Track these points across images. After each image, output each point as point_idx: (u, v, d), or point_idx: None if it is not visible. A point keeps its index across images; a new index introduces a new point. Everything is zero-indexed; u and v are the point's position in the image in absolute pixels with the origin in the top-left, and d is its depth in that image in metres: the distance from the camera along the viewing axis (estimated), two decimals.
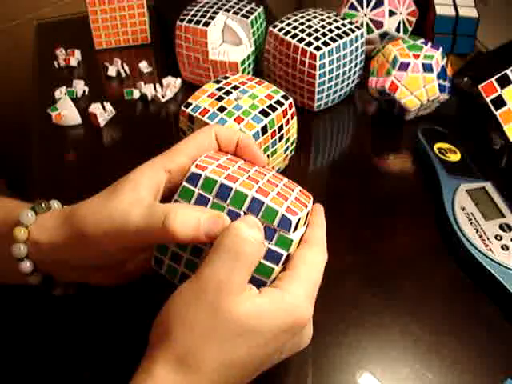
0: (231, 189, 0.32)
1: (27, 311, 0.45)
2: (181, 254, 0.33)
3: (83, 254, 0.35)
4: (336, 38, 0.61)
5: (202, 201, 0.33)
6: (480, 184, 0.52)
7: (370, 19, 0.71)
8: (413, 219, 0.53)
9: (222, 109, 0.49)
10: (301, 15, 0.65)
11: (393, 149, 0.62)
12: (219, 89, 0.52)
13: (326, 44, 0.60)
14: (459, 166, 0.55)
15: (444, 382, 0.39)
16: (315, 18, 0.65)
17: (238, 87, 0.52)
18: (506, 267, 0.44)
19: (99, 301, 0.44)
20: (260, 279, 0.32)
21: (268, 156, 0.52)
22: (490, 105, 0.55)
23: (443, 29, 0.73)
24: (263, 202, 0.32)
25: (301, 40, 0.61)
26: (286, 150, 0.54)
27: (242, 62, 0.67)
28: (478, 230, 0.47)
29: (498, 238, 0.47)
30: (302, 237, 0.34)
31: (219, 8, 0.67)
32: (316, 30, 0.62)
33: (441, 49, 0.62)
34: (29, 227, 0.35)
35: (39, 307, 0.44)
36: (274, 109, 0.50)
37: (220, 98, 0.50)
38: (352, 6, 0.72)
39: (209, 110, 0.49)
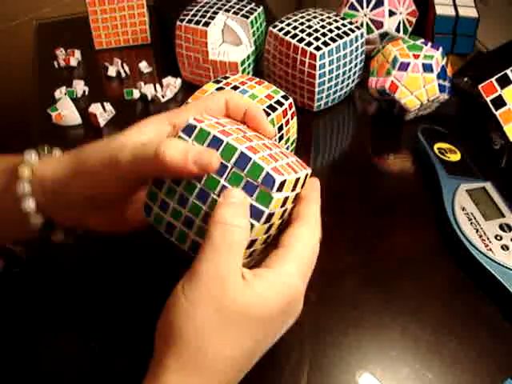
0: (222, 141, 0.32)
1: (31, 283, 0.46)
2: (168, 202, 0.34)
3: (82, 186, 0.36)
4: (336, 38, 0.61)
5: None
6: (480, 184, 0.52)
7: (370, 19, 0.71)
8: (413, 219, 0.53)
9: None
10: (301, 15, 0.65)
11: (393, 149, 0.62)
12: (219, 89, 0.52)
13: (326, 44, 0.60)
14: (459, 165, 0.55)
15: (444, 381, 0.39)
16: (315, 17, 0.65)
17: (238, 87, 0.52)
18: (506, 267, 0.44)
19: (106, 271, 0.46)
20: None
21: None
22: (490, 105, 0.55)
23: (443, 29, 0.73)
24: (250, 158, 0.32)
25: (301, 40, 0.61)
26: (286, 150, 0.54)
27: (242, 62, 0.67)
28: (478, 230, 0.47)
29: (498, 238, 0.47)
30: (288, 199, 0.34)
31: (219, 8, 0.67)
32: (316, 30, 0.62)
33: (441, 49, 0.62)
34: (33, 166, 0.37)
35: (45, 278, 0.46)
36: (273, 109, 0.50)
37: None
38: (352, 6, 0.72)
39: None
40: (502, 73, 0.55)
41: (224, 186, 0.32)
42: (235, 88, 0.51)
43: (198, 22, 0.65)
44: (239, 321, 0.30)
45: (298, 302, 0.33)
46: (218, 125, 0.34)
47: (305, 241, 0.33)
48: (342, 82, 0.64)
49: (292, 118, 0.53)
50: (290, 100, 0.52)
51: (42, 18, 0.90)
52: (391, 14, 0.71)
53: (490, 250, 0.46)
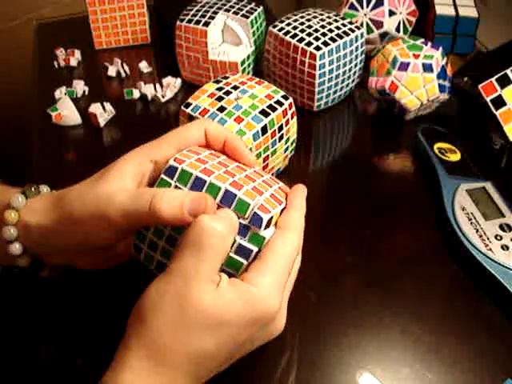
0: (205, 181, 0.33)
1: (32, 283, 0.45)
2: (157, 243, 0.34)
3: (70, 236, 0.36)
4: (336, 38, 0.61)
5: None
6: (480, 184, 0.52)
7: (370, 19, 0.71)
8: (413, 219, 0.53)
9: (221, 109, 0.49)
10: (301, 15, 0.65)
11: (393, 149, 0.62)
12: (219, 89, 0.52)
13: (326, 44, 0.60)
14: (459, 165, 0.55)
15: (444, 381, 0.39)
16: (315, 17, 0.65)
17: (238, 87, 0.52)
18: (506, 267, 0.44)
19: (89, 287, 0.45)
20: (229, 272, 0.33)
21: (268, 156, 0.52)
22: (490, 105, 0.55)
23: (443, 29, 0.73)
24: (235, 195, 0.32)
25: (301, 40, 0.61)
26: (286, 149, 0.54)
27: (242, 62, 0.67)
28: (478, 230, 0.47)
29: (498, 237, 0.47)
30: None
31: (219, 8, 0.67)
32: (316, 30, 0.62)
33: (441, 49, 0.62)
34: (19, 210, 0.36)
35: (45, 279, 0.45)
36: (273, 109, 0.50)
37: (220, 98, 0.50)
38: (352, 6, 0.72)
39: (209, 110, 0.49)
40: (502, 73, 0.55)
41: None
42: (235, 88, 0.51)
43: (197, 22, 0.65)
44: (201, 321, 0.30)
45: (271, 315, 0.32)
46: (199, 162, 0.34)
47: (279, 252, 0.33)
48: (342, 81, 0.64)
49: (292, 118, 0.53)
50: (290, 100, 0.52)
51: (42, 18, 0.90)
52: (391, 13, 0.71)
53: (490, 249, 0.46)
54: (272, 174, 0.54)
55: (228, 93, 0.51)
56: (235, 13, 0.67)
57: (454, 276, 0.47)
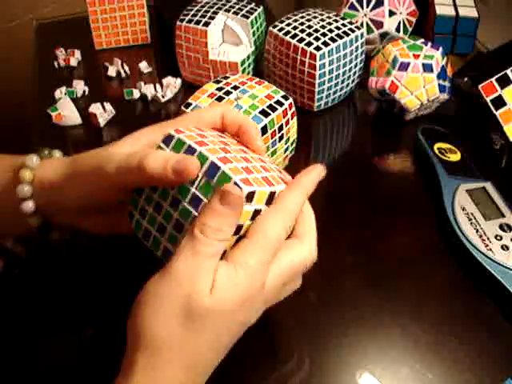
0: (195, 151, 0.33)
1: (31, 283, 0.46)
2: (146, 209, 0.35)
3: (74, 190, 0.37)
4: (336, 38, 0.61)
5: None
6: (480, 184, 0.52)
7: (370, 19, 0.71)
8: (413, 219, 0.53)
9: None
10: (301, 15, 0.65)
11: (393, 149, 0.62)
12: (219, 89, 0.52)
13: (325, 44, 0.60)
14: (459, 166, 0.55)
15: (444, 381, 0.39)
16: (315, 18, 0.65)
17: (238, 87, 0.52)
18: (506, 267, 0.44)
19: (104, 271, 0.46)
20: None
21: (268, 156, 0.52)
22: (490, 105, 0.55)
23: (443, 29, 0.73)
24: (219, 168, 0.32)
25: (301, 40, 0.61)
26: (286, 150, 0.55)
27: (242, 62, 0.67)
28: (478, 230, 0.47)
29: (498, 238, 0.47)
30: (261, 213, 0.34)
31: (219, 8, 0.67)
32: (316, 30, 0.62)
33: (441, 49, 0.62)
34: (33, 170, 0.38)
35: (45, 278, 0.46)
36: (273, 109, 0.50)
37: (220, 98, 0.50)
38: (352, 6, 0.72)
39: None
40: (502, 73, 0.56)
41: (195, 194, 0.32)
42: (235, 88, 0.51)
43: (198, 22, 0.65)
44: (203, 318, 0.30)
45: (259, 292, 0.33)
46: (198, 136, 0.35)
47: (267, 232, 0.33)
48: (342, 82, 0.64)
49: (292, 118, 0.53)
50: (290, 100, 0.52)
51: (42, 18, 0.90)
52: (391, 13, 0.71)
53: (490, 250, 0.46)
54: None
55: (228, 93, 0.51)
56: (235, 13, 0.67)
57: (454, 276, 0.47)
